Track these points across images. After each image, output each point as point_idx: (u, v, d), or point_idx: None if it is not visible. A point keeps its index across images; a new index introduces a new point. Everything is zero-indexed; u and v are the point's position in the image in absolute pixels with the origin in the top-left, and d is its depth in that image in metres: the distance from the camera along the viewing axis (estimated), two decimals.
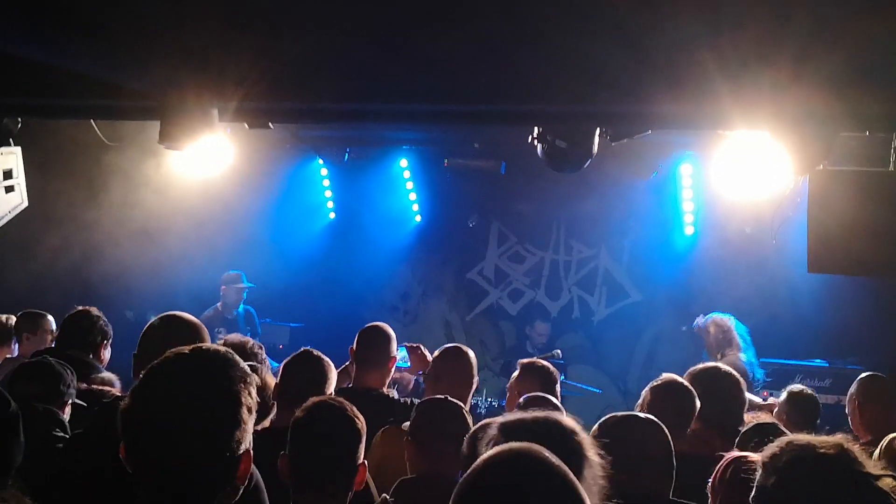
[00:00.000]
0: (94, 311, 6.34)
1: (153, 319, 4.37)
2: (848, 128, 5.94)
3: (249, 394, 2.50)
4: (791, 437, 3.12)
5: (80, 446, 4.04)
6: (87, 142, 8.96)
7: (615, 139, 6.74)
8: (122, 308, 6.60)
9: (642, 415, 4.16)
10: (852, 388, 6.14)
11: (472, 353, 5.82)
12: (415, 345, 6.60)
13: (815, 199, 6.16)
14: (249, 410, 2.49)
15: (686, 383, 5.31)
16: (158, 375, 2.50)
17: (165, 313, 4.38)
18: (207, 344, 2.57)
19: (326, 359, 5.10)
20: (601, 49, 5.06)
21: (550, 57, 5.30)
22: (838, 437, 3.06)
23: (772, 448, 3.09)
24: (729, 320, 9.46)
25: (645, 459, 3.94)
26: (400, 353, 6.53)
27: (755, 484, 3.16)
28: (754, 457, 3.86)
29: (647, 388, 5.28)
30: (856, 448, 3.00)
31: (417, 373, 7.08)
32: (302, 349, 5.22)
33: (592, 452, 3.02)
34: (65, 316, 6.41)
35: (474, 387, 5.73)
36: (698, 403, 5.16)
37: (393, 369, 6.19)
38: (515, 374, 5.87)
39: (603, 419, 4.18)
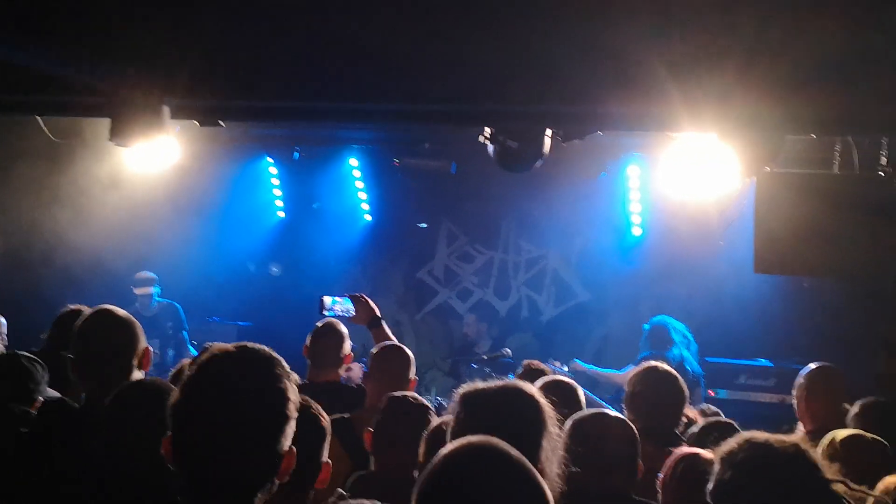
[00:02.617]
0: (87, 311, 6.07)
1: (84, 315, 4.33)
2: (794, 131, 6.03)
3: (294, 391, 2.55)
4: (749, 434, 3.16)
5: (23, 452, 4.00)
6: (33, 138, 8.88)
7: (566, 139, 6.78)
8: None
9: (612, 413, 4.18)
10: (799, 378, 6.18)
11: (409, 351, 5.82)
12: (358, 294, 6.63)
13: (761, 201, 6.26)
14: (295, 407, 2.55)
15: (568, 381, 5.36)
16: (207, 371, 2.53)
17: (96, 308, 4.35)
18: (251, 343, 2.59)
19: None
20: (553, 50, 5.10)
21: (502, 57, 5.33)
22: (795, 437, 3.11)
23: (730, 444, 3.13)
24: (661, 322, 9.69)
25: (610, 457, 3.96)
26: (345, 304, 6.60)
27: (713, 478, 3.19)
28: (705, 454, 3.91)
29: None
30: (812, 450, 3.04)
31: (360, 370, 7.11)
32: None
33: (553, 423, 3.03)
34: (57, 314, 6.17)
35: (412, 384, 5.71)
36: (583, 399, 5.21)
37: (346, 365, 6.23)
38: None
39: (574, 417, 4.20)
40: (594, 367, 10.53)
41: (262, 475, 2.50)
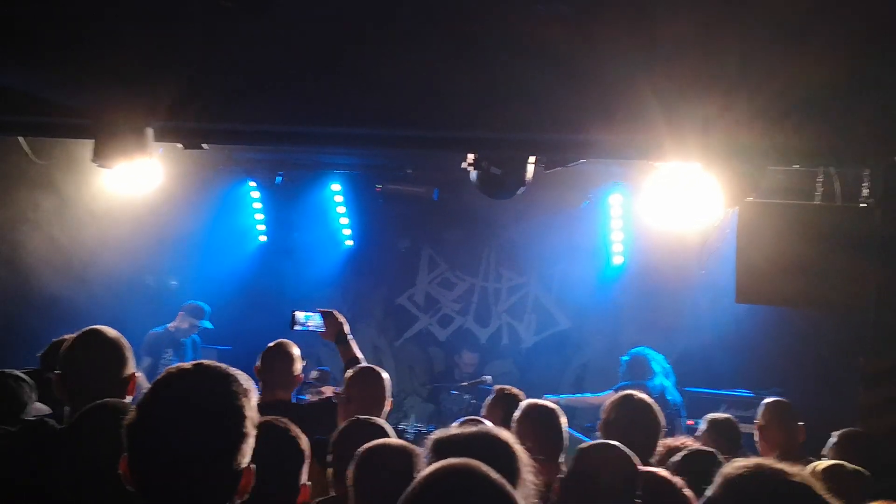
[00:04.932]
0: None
1: (74, 336, 4.30)
2: (776, 162, 6.06)
3: (252, 408, 2.52)
4: (759, 460, 3.15)
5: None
6: (13, 159, 8.84)
7: (549, 167, 6.80)
8: (49, 326, 6.46)
9: (613, 443, 4.15)
10: (757, 413, 6.28)
11: (385, 375, 5.80)
12: (328, 310, 6.62)
13: (743, 230, 6.27)
14: (253, 424, 2.51)
15: (549, 405, 5.35)
16: (162, 391, 2.51)
17: (86, 328, 4.31)
18: (208, 361, 2.57)
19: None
20: (538, 78, 5.12)
21: (487, 84, 5.35)
22: (805, 470, 3.10)
23: (739, 469, 3.12)
24: (640, 353, 9.73)
25: (607, 487, 3.94)
26: (316, 320, 6.61)
27: (709, 499, 3.16)
28: (662, 472, 3.92)
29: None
30: (821, 486, 3.03)
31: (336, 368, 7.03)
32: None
33: (527, 471, 3.00)
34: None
35: (387, 408, 5.69)
36: (564, 424, 5.21)
37: (299, 384, 6.26)
38: (516, 415, 5.48)
39: (578, 447, 4.18)
40: (566, 395, 10.53)
41: (220, 494, 2.47)
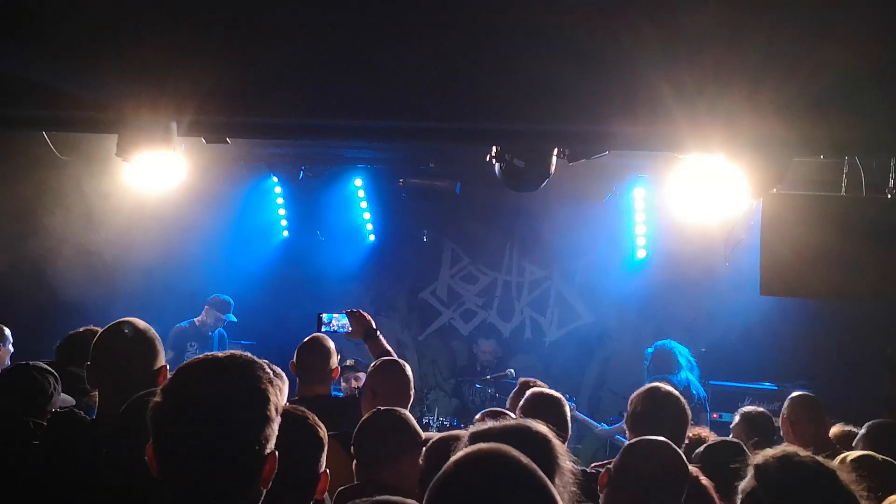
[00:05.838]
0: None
1: (106, 327, 4.31)
2: (802, 153, 6.02)
3: (276, 394, 2.53)
4: (787, 449, 3.16)
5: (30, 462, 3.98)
6: (37, 155, 8.87)
7: (573, 159, 6.78)
8: (69, 322, 6.50)
9: (661, 439, 4.14)
10: (783, 408, 6.27)
11: (408, 367, 5.82)
12: (353, 309, 6.66)
13: (767, 222, 6.23)
14: (277, 410, 2.52)
15: (554, 393, 5.36)
16: (188, 375, 2.53)
17: (117, 320, 4.32)
18: (237, 350, 2.59)
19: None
20: (560, 69, 5.10)
21: (510, 76, 5.33)
22: (835, 461, 3.14)
23: (768, 458, 3.13)
24: (666, 346, 9.70)
25: (654, 481, 3.94)
26: (342, 320, 6.70)
27: (748, 490, 3.17)
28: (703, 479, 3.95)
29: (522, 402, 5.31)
30: (845, 474, 3.05)
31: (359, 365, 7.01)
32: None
33: (564, 460, 3.01)
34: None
35: (411, 400, 5.71)
36: (568, 413, 5.22)
37: (336, 378, 6.30)
38: (521, 404, 5.51)
39: (629, 442, 4.23)
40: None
41: (245, 479, 2.47)
